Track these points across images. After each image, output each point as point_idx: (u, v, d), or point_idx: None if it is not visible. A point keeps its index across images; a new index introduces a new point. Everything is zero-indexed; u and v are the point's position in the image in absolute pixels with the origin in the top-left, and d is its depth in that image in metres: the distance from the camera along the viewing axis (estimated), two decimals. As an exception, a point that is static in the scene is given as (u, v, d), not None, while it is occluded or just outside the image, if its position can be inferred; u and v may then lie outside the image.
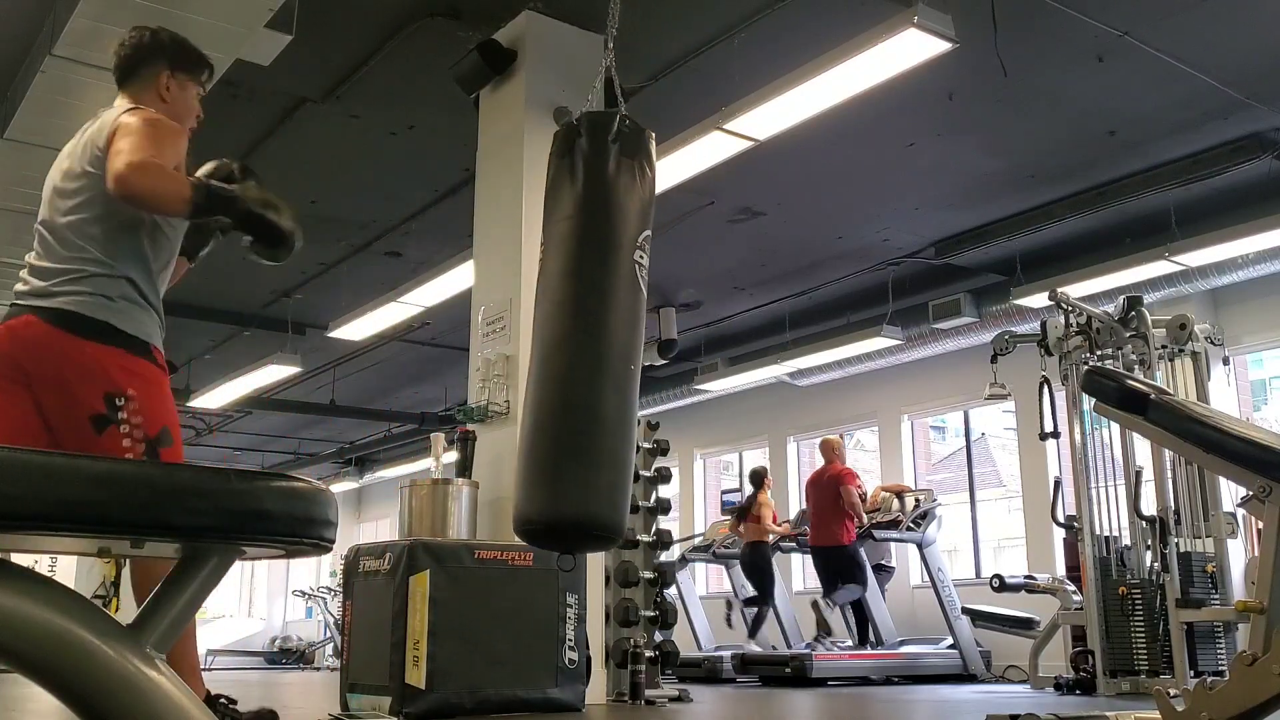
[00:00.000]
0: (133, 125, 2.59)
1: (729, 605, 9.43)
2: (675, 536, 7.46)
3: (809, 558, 10.26)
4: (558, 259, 2.71)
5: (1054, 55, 5.88)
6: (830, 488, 8.61)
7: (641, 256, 2.68)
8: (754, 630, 9.27)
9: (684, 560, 9.98)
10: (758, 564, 9.08)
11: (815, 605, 8.78)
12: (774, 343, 10.50)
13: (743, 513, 9.21)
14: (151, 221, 2.70)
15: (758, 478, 9.42)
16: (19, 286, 2.67)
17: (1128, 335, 6.51)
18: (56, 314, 2.54)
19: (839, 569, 8.54)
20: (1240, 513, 6.10)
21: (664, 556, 5.95)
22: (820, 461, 9.23)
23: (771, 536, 9.18)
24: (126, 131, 2.57)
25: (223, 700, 2.92)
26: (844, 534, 8.49)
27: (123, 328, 2.58)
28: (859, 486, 8.81)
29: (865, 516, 8.73)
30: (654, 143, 2.84)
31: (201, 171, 2.82)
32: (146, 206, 2.58)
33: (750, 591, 9.45)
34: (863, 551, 8.68)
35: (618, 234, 2.66)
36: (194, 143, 2.89)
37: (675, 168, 6.15)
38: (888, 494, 9.32)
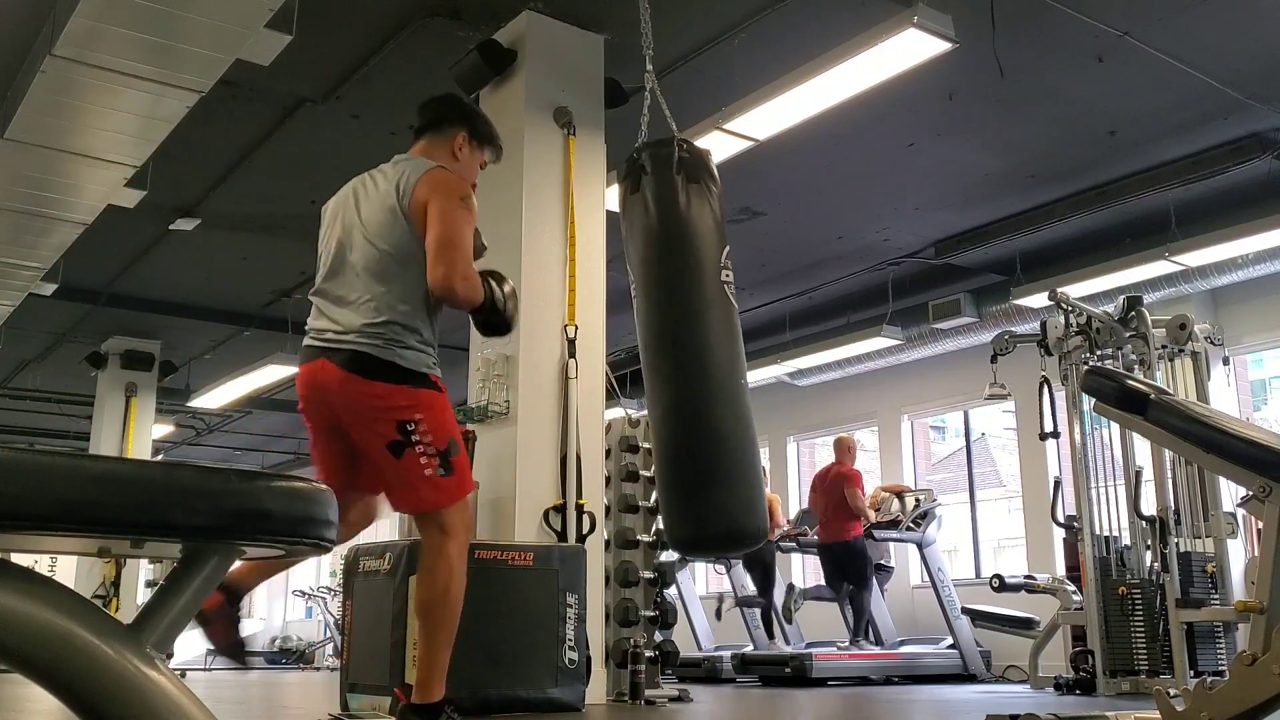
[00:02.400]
0: (446, 206, 2.92)
1: (720, 600, 9.43)
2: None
3: (809, 557, 10.27)
4: (654, 294, 2.87)
5: (1054, 55, 5.88)
6: (836, 487, 8.61)
7: (728, 275, 2.84)
8: (769, 629, 9.25)
9: (684, 560, 9.97)
10: (761, 560, 9.08)
11: (790, 588, 8.80)
12: (774, 343, 10.50)
13: None
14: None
15: None
16: (315, 321, 2.98)
17: (1128, 335, 6.51)
18: (348, 357, 2.87)
19: (844, 566, 8.54)
20: (1240, 513, 6.11)
21: (664, 556, 5.95)
22: (827, 458, 9.21)
23: (777, 532, 9.18)
24: (442, 215, 2.90)
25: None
26: (850, 530, 8.50)
27: (407, 366, 2.88)
28: (863, 489, 8.84)
29: (873, 515, 8.75)
30: (713, 160, 2.96)
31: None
32: (453, 305, 2.95)
33: (748, 590, 9.45)
34: (868, 550, 8.68)
35: (702, 261, 2.82)
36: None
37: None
38: (887, 494, 9.32)
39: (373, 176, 3.14)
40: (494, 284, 3.02)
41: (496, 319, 3.05)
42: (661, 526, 5.96)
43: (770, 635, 9.27)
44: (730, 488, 2.79)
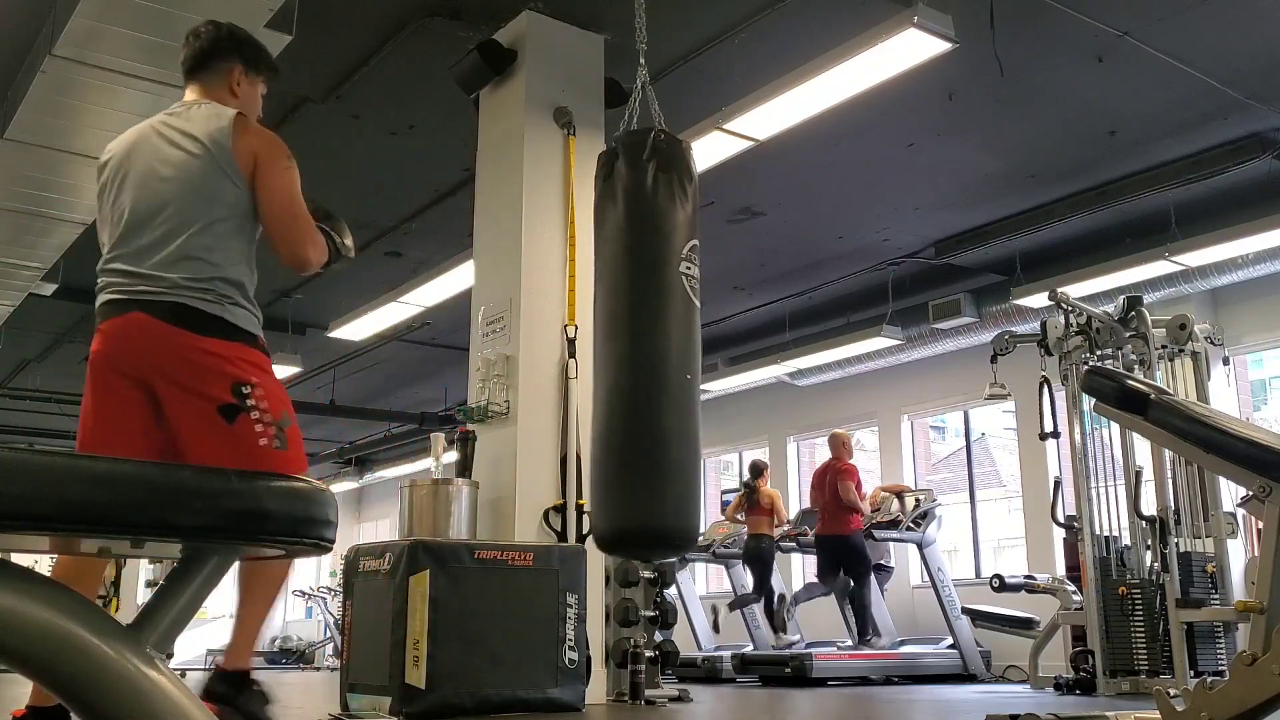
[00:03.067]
0: (279, 170, 2.73)
1: (715, 611, 9.42)
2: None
3: (810, 557, 10.26)
4: (608, 279, 2.76)
5: (1054, 55, 5.88)
6: (833, 482, 8.61)
7: (689, 268, 2.73)
8: (774, 624, 9.23)
9: (684, 560, 9.97)
10: (761, 556, 9.08)
11: (781, 598, 8.79)
12: (774, 343, 10.50)
13: (748, 504, 9.18)
14: (254, 227, 2.80)
15: (757, 469, 9.42)
16: (117, 279, 2.67)
17: (1128, 335, 6.51)
18: (170, 309, 2.57)
19: (841, 559, 8.55)
20: (1240, 513, 6.10)
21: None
22: (827, 457, 9.21)
23: (779, 530, 9.18)
24: (281, 183, 2.73)
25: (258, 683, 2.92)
26: (848, 524, 8.50)
27: (236, 323, 2.65)
28: (859, 485, 8.83)
29: (867, 508, 8.75)
30: (692, 153, 2.86)
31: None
32: (300, 272, 2.83)
33: (748, 589, 9.44)
34: (867, 544, 8.68)
35: (662, 249, 2.70)
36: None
37: (675, 168, 6.15)
38: (887, 494, 9.32)
39: (165, 127, 2.77)
40: (333, 235, 2.91)
41: (337, 261, 2.99)
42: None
43: (775, 630, 9.24)
44: (664, 485, 2.62)
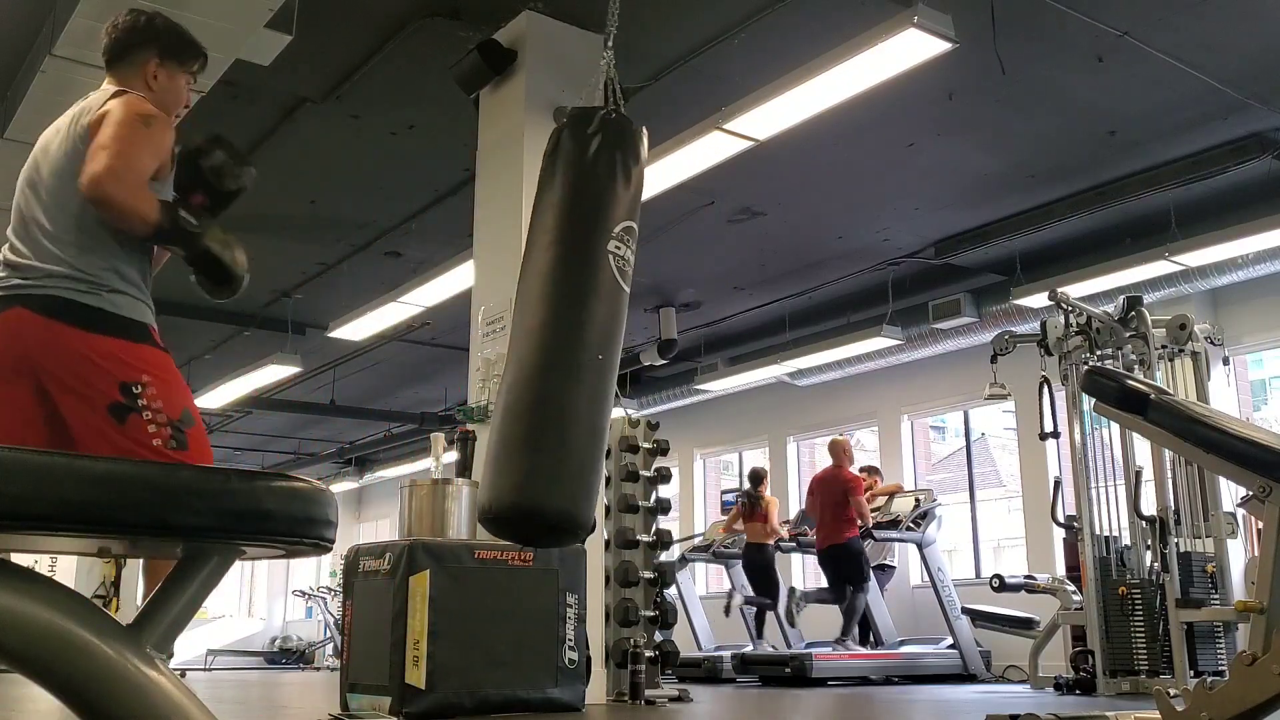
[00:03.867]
0: (119, 116, 2.53)
1: (730, 595, 9.39)
2: (675, 536, 7.45)
3: (809, 558, 10.26)
4: (534, 249, 2.69)
5: (1054, 55, 5.88)
6: (838, 492, 8.59)
7: (619, 246, 2.59)
8: (760, 630, 9.24)
9: (684, 560, 9.97)
10: (762, 565, 9.07)
11: (791, 591, 8.79)
12: (774, 343, 10.50)
13: (749, 512, 9.18)
14: None
15: (758, 477, 9.42)
16: None
17: (1128, 335, 6.51)
18: (49, 303, 2.44)
19: (841, 567, 8.55)
20: (1240, 513, 6.10)
21: (664, 556, 5.95)
22: (827, 460, 9.21)
23: (774, 539, 9.18)
24: (112, 122, 2.52)
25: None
26: (847, 532, 8.49)
27: (119, 313, 2.51)
28: (866, 486, 8.86)
29: (869, 518, 8.76)
30: (643, 136, 2.77)
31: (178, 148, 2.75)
32: (111, 217, 2.50)
33: (750, 590, 9.44)
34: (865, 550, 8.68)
35: (590, 222, 2.59)
36: (180, 133, 2.82)
37: (675, 168, 6.15)
38: (883, 492, 9.33)
39: (58, 122, 2.74)
40: (183, 212, 2.59)
41: (209, 267, 2.64)
42: (660, 526, 5.96)
43: (759, 634, 9.25)
44: (560, 466, 2.36)
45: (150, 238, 2.58)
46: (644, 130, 2.78)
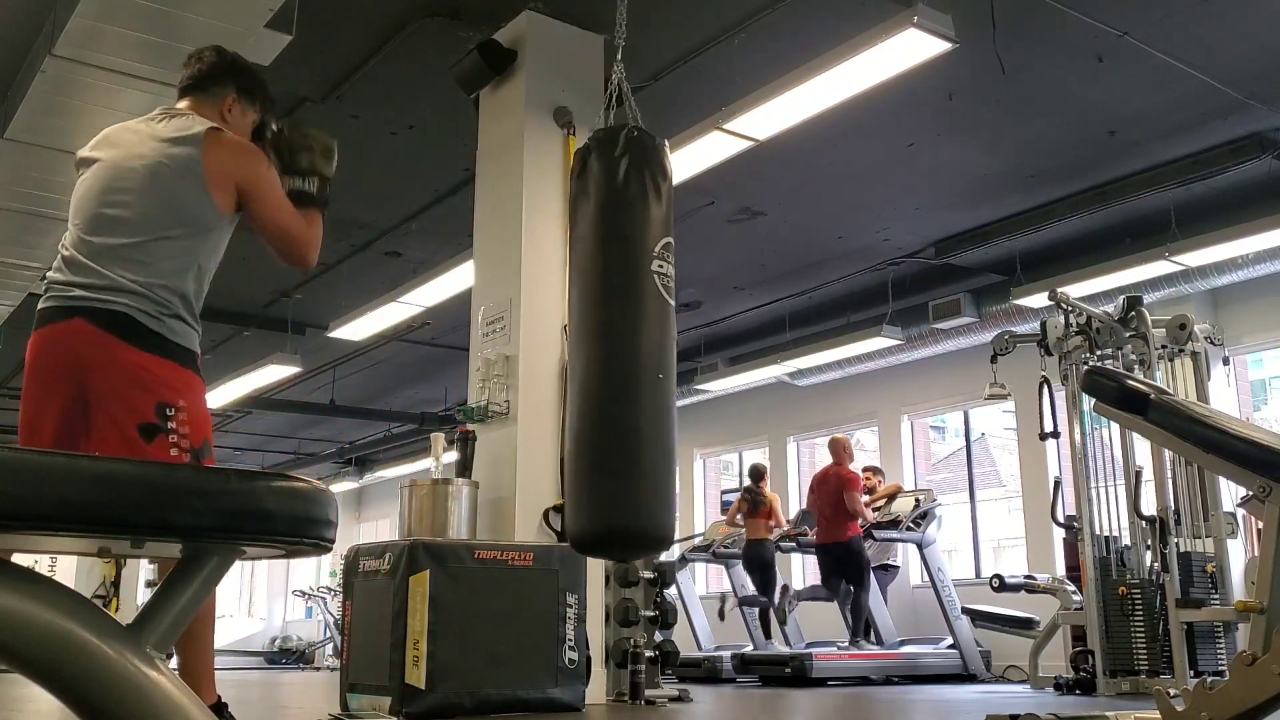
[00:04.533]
0: (249, 155, 2.77)
1: (723, 599, 9.40)
2: (675, 536, 7.44)
3: (809, 557, 10.26)
4: (580, 279, 2.76)
5: (1054, 55, 5.88)
6: (835, 489, 8.61)
7: (661, 265, 2.69)
8: (767, 630, 9.24)
9: (684, 560, 9.97)
10: (763, 562, 9.07)
11: (784, 589, 8.78)
12: (774, 343, 10.50)
13: (751, 509, 9.17)
14: (214, 243, 2.77)
15: (758, 473, 9.42)
16: (57, 276, 2.64)
17: (1128, 335, 6.51)
18: (111, 318, 2.54)
19: (843, 565, 8.55)
20: (1240, 513, 6.11)
21: (664, 556, 5.95)
22: (827, 459, 9.22)
23: (777, 533, 9.18)
24: (269, 199, 2.75)
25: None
26: (847, 530, 8.50)
27: (174, 339, 2.61)
28: (868, 486, 8.86)
29: (871, 515, 8.75)
30: (666, 149, 2.85)
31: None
32: (299, 267, 2.85)
33: (748, 590, 9.44)
34: (866, 550, 8.68)
35: (632, 246, 2.68)
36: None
37: (675, 168, 6.13)
38: (883, 493, 9.33)
39: (142, 127, 2.78)
40: (312, 194, 2.92)
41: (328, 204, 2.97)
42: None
43: (767, 635, 9.25)
44: (636, 486, 2.60)
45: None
46: (666, 143, 2.86)
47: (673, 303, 2.72)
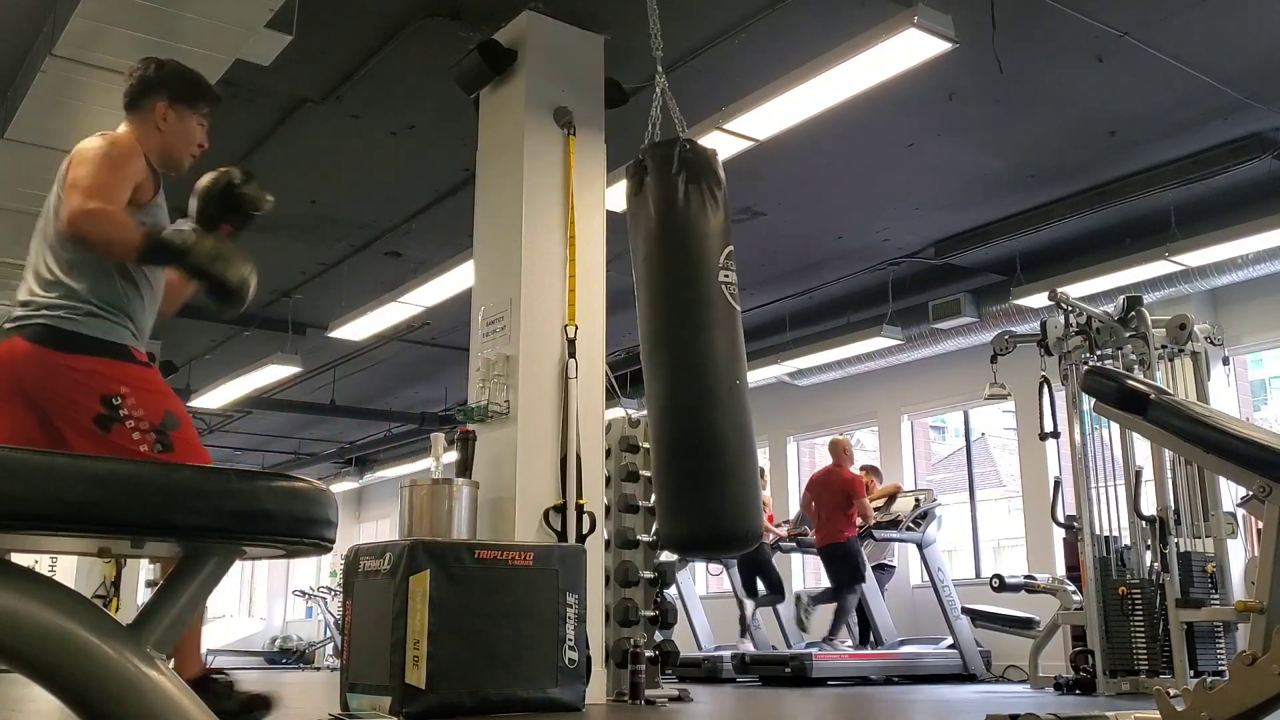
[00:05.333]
0: (87, 155, 2.80)
1: (741, 606, 9.31)
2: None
3: (809, 558, 10.26)
4: (650, 294, 2.83)
5: (1054, 55, 5.88)
6: (840, 492, 8.58)
7: (727, 275, 2.81)
8: (744, 629, 9.17)
9: (684, 560, 9.95)
10: (760, 562, 9.04)
11: (799, 599, 8.76)
12: (774, 343, 10.50)
13: None
14: None
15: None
16: (13, 310, 2.84)
17: (1128, 335, 6.51)
18: (37, 331, 2.73)
19: (836, 565, 8.55)
20: (1240, 513, 6.10)
21: (664, 556, 5.95)
22: (827, 459, 9.20)
23: (771, 536, 9.16)
24: (82, 160, 2.79)
25: (219, 676, 2.97)
26: (845, 531, 8.49)
27: (97, 336, 2.77)
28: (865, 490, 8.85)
29: (872, 518, 8.75)
30: (719, 160, 2.92)
31: (201, 182, 3.00)
32: (95, 250, 2.77)
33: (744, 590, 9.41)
34: (862, 550, 8.68)
35: (700, 261, 2.78)
36: (199, 169, 3.06)
37: (675, 168, 6.15)
38: (881, 492, 9.33)
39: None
40: (170, 240, 2.80)
41: (205, 281, 2.80)
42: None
43: (743, 633, 9.19)
44: (722, 490, 2.78)
45: (138, 261, 2.82)
46: (716, 152, 2.93)
47: (739, 308, 2.85)
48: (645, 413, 4.33)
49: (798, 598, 8.79)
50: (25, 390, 2.73)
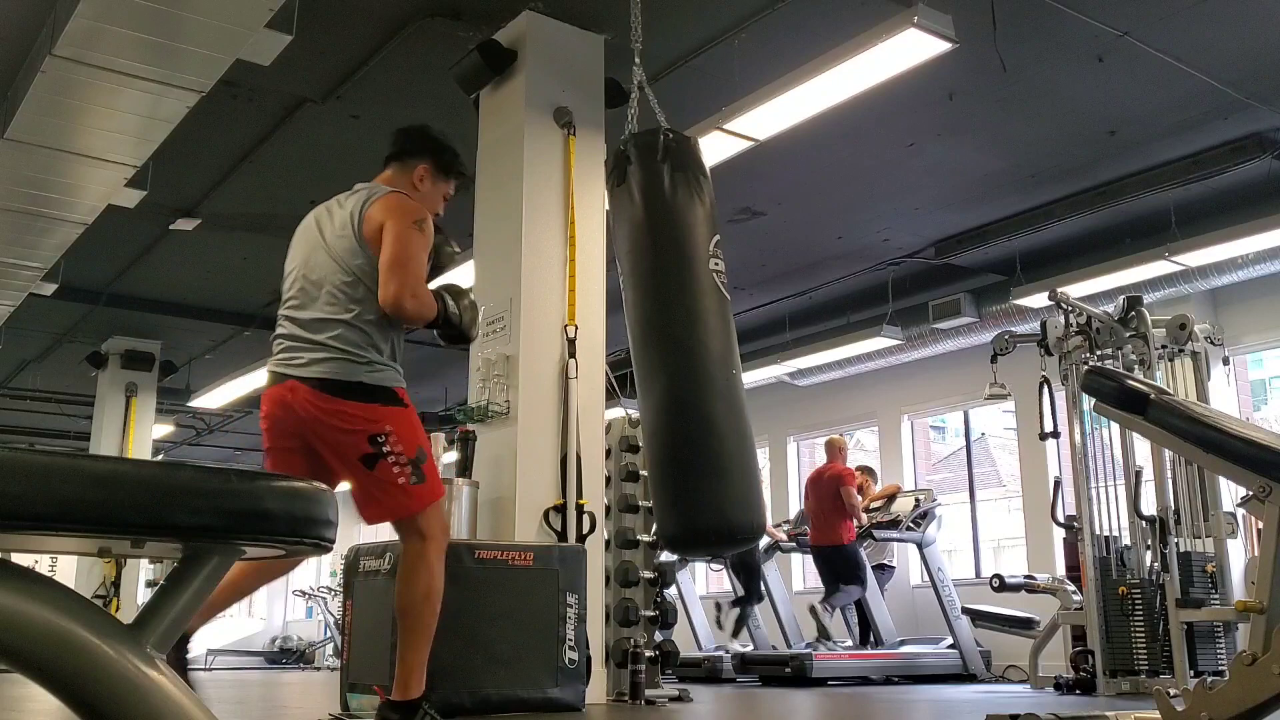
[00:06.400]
0: (398, 230, 3.03)
1: (719, 608, 9.36)
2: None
3: (809, 558, 10.25)
4: (638, 286, 2.78)
5: (1054, 55, 5.88)
6: (830, 487, 8.61)
7: (716, 263, 2.76)
8: (737, 630, 9.18)
9: (684, 560, 9.95)
10: (747, 562, 9.04)
11: (813, 610, 8.75)
12: (774, 343, 10.50)
13: None
14: None
15: None
16: (281, 344, 3.15)
17: (1128, 335, 6.51)
18: (317, 381, 3.01)
19: (838, 569, 8.53)
20: (1240, 513, 6.10)
21: (664, 556, 5.95)
22: (823, 459, 9.21)
23: (765, 540, 9.17)
24: (394, 237, 3.02)
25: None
26: (843, 533, 8.48)
27: (372, 384, 3.03)
28: (858, 486, 8.82)
29: (865, 516, 8.74)
30: (700, 149, 2.88)
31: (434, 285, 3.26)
32: (405, 322, 3.09)
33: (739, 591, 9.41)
34: (862, 552, 8.68)
35: (689, 250, 2.72)
36: None
37: (675, 168, 6.15)
38: (877, 497, 9.32)
39: (338, 202, 3.25)
40: (448, 298, 3.17)
41: (454, 331, 3.21)
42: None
43: (735, 634, 9.17)
44: (723, 481, 2.68)
45: (426, 327, 3.15)
46: (699, 141, 2.90)
47: (729, 296, 2.80)
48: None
49: (812, 609, 8.78)
50: (302, 433, 3.04)
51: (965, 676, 8.38)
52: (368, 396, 3.02)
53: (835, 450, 8.91)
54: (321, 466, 3.04)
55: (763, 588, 9.13)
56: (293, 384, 3.05)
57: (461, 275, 7.70)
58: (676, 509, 2.67)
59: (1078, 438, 6.68)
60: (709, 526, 2.65)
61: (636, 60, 3.04)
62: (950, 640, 8.57)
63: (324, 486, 1.19)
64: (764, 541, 9.34)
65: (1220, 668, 5.81)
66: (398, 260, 3.00)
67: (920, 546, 8.80)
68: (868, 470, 9.76)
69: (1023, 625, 8.05)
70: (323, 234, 3.19)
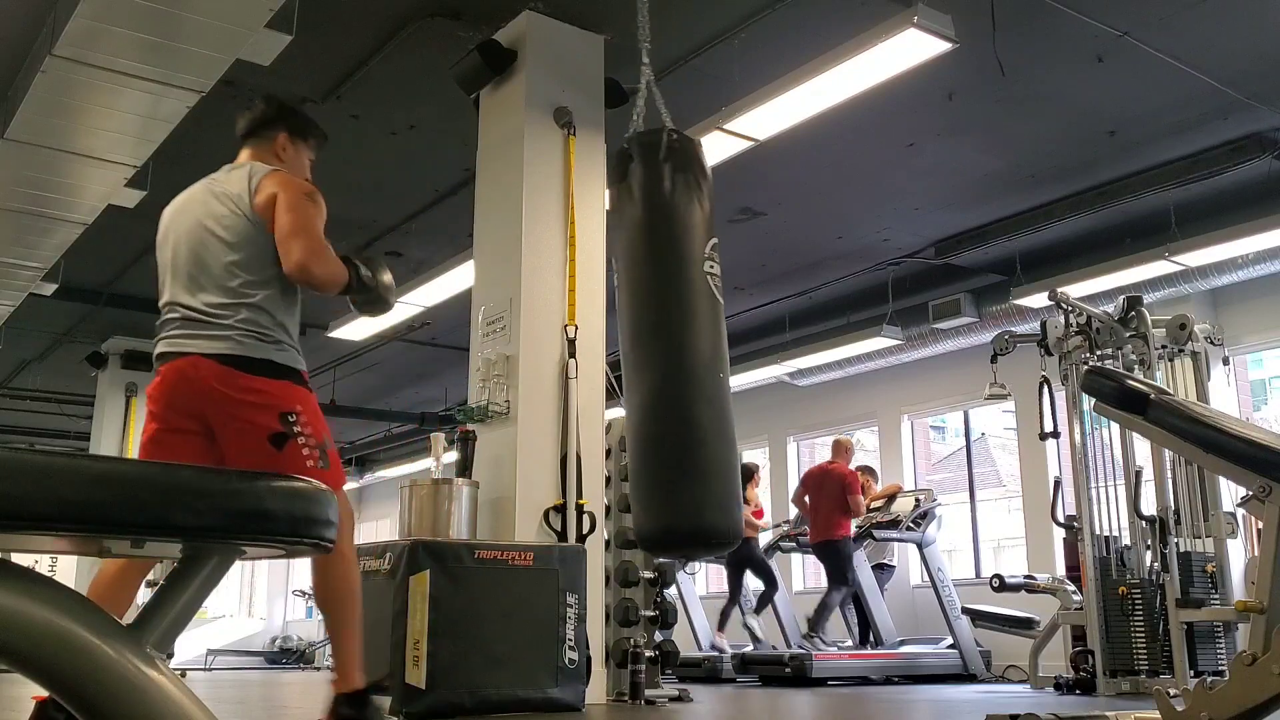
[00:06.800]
0: (290, 199, 3.00)
1: (743, 612, 9.31)
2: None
3: (809, 558, 10.25)
4: (632, 284, 2.77)
5: (1054, 55, 5.88)
6: (836, 488, 8.59)
7: (712, 266, 2.74)
8: (722, 625, 9.17)
9: (684, 560, 9.95)
10: (751, 558, 9.04)
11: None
12: (774, 343, 10.50)
13: None
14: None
15: (748, 473, 9.41)
16: (175, 325, 3.01)
17: (1128, 335, 6.51)
18: (226, 357, 2.91)
19: (828, 562, 8.56)
20: (1240, 513, 6.11)
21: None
22: (829, 457, 9.19)
23: (765, 537, 9.18)
24: (287, 206, 2.98)
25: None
26: (839, 529, 8.49)
27: (282, 363, 2.97)
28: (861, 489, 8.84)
29: (864, 515, 8.75)
30: (703, 150, 2.88)
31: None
32: (314, 289, 3.02)
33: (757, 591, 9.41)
34: (857, 550, 8.67)
35: (685, 251, 2.71)
36: None
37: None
38: (878, 497, 9.32)
39: (213, 182, 3.18)
40: (359, 264, 3.15)
41: (370, 295, 3.20)
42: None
43: (720, 628, 9.17)
44: (704, 484, 2.65)
45: (338, 294, 3.10)
46: (701, 143, 2.89)
47: (722, 300, 2.79)
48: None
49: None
50: (198, 410, 2.92)
51: (965, 676, 8.38)
52: (278, 374, 2.95)
53: (842, 450, 8.91)
54: (215, 454, 2.93)
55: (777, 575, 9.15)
56: (195, 359, 2.93)
57: (461, 275, 7.72)
58: (654, 508, 2.63)
59: (1078, 438, 6.68)
60: (686, 528, 2.61)
61: (645, 59, 3.03)
62: (950, 640, 8.57)
63: (324, 486, 1.19)
64: (765, 539, 9.33)
65: (1220, 668, 5.81)
66: (297, 227, 2.95)
67: (920, 546, 8.81)
68: (868, 470, 9.76)
69: (1023, 625, 8.05)
70: (205, 217, 3.09)
